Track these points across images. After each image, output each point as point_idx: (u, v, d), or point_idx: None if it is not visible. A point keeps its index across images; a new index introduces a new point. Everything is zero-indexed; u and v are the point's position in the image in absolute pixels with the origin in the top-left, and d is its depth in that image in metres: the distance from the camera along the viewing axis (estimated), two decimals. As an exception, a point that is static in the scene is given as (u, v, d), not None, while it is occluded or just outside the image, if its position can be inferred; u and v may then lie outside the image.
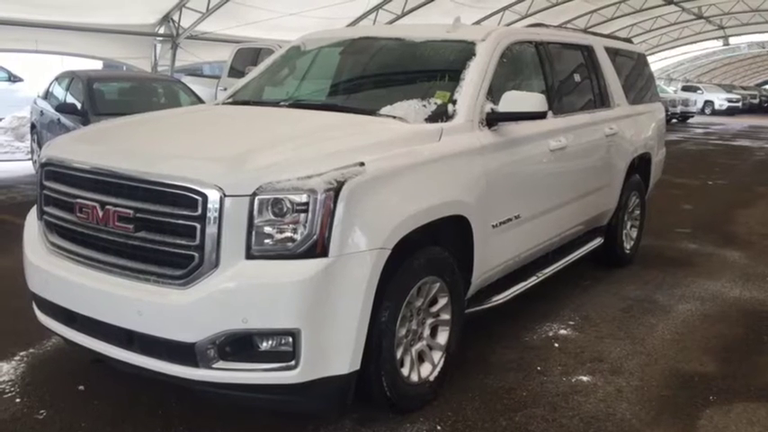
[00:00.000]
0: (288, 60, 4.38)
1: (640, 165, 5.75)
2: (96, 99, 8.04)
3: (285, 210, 2.59)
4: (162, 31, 13.26)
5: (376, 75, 4.11)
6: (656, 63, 40.51)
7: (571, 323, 4.41)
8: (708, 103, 36.96)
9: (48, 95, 9.49)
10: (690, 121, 28.63)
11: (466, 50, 3.82)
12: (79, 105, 8.00)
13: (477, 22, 17.90)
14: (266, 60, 4.49)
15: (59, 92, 9.12)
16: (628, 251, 5.76)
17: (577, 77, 4.84)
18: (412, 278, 3.02)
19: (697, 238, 6.90)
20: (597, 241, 5.24)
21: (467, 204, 3.32)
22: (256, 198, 2.57)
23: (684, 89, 37.01)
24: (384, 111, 3.51)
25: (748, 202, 9.24)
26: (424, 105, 3.54)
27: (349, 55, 4.22)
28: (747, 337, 4.29)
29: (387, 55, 4.13)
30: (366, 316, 2.73)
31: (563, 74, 4.64)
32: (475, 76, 3.66)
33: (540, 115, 3.66)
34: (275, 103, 3.88)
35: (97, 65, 13.67)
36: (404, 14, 16.32)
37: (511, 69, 4.10)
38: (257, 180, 2.59)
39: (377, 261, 2.72)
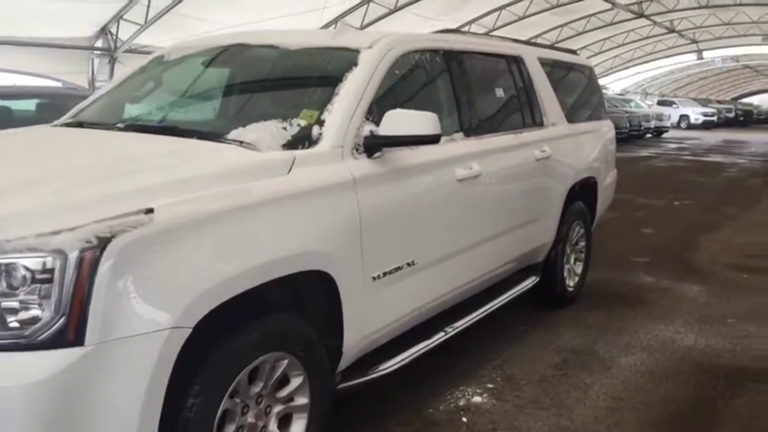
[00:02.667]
0: (146, 73, 3.64)
1: (584, 191, 5.06)
2: (-8, 117, 7.21)
3: (19, 279, 1.84)
4: (99, 44, 12.48)
5: (238, 90, 3.38)
6: (631, 77, 40.40)
7: (490, 386, 3.68)
8: (683, 117, 36.82)
9: (-46, 114, 8.66)
10: (664, 135, 28.28)
11: (346, 60, 3.11)
12: (-25, 125, 7.19)
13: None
14: (122, 72, 3.75)
15: (-35, 110, 8.30)
16: (571, 289, 5.06)
17: (500, 93, 4.14)
18: (236, 361, 2.27)
19: (654, 269, 6.22)
20: (531, 280, 4.52)
21: (327, 255, 2.59)
22: (-24, 264, 1.82)
23: (660, 103, 36.89)
24: (233, 135, 2.78)
25: (714, 225, 8.60)
26: (285, 128, 2.82)
27: (212, 66, 3.48)
28: (697, 402, 3.58)
29: (255, 66, 3.40)
30: (152, 421, 1.98)
31: (480, 89, 3.94)
32: (351, 92, 2.94)
33: (432, 139, 2.94)
34: (110, 125, 3.13)
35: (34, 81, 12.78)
36: (363, 28, 15.68)
37: (407, 83, 3.40)
38: (-22, 238, 1.84)
39: (167, 346, 1.97)
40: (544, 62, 4.77)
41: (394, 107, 2.98)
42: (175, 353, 2.00)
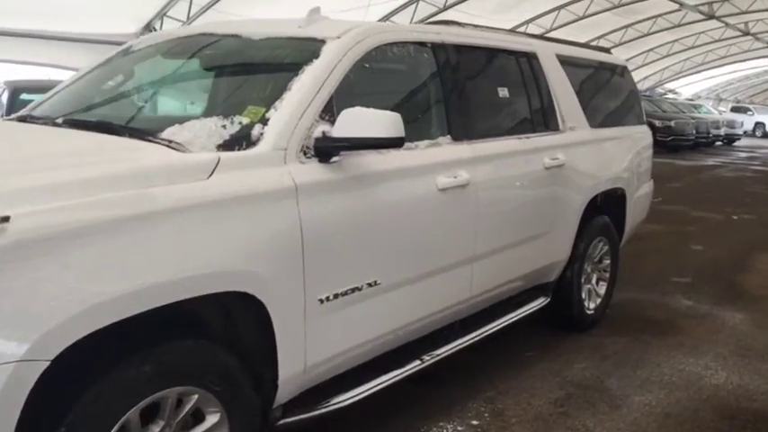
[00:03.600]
0: (108, 65, 3.38)
1: (609, 203, 4.55)
2: (18, 109, 7.18)
3: None
4: (144, 40, 12.54)
5: (189, 83, 3.07)
6: (703, 82, 38.65)
7: (474, 423, 3.26)
8: (759, 124, 35.18)
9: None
10: (736, 143, 26.87)
11: (308, 51, 2.75)
12: (-1, 118, 7.18)
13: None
14: (88, 63, 3.51)
15: (-3, 103, 8.35)
16: (591, 311, 4.55)
17: (504, 93, 3.70)
18: (121, 398, 1.93)
19: (695, 291, 5.63)
20: (539, 302, 4.06)
21: (252, 275, 2.23)
22: None
23: (734, 110, 35.23)
24: (167, 133, 2.46)
25: (773, 243, 7.85)
26: (224, 126, 2.49)
27: (169, 58, 3.19)
28: (714, 457, 3.07)
29: (213, 57, 3.07)
30: (-4, 473, 1.67)
31: (478, 88, 3.51)
32: (304, 87, 2.59)
33: (392, 143, 2.55)
34: (50, 120, 2.86)
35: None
36: (412, 26, 15.30)
37: (381, 80, 3.03)
38: None
39: (11, 382, 1.66)
40: (565, 60, 4.29)
41: (363, 107, 2.60)
42: (25, 390, 1.69)
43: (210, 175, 2.20)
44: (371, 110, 2.52)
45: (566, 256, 4.17)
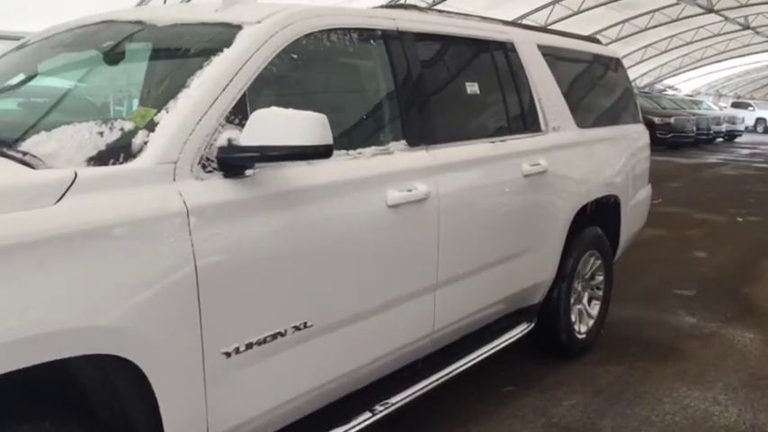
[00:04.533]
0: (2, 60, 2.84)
1: (600, 212, 4.01)
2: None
3: None
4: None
5: (74, 81, 2.53)
6: (703, 77, 38.10)
7: (438, 483, 2.72)
8: (760, 120, 34.79)
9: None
10: (737, 140, 26.36)
11: (219, 40, 2.22)
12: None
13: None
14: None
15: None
16: (582, 335, 4.02)
17: (473, 89, 3.16)
18: None
19: (699, 306, 5.08)
20: (522, 329, 3.52)
21: (119, 332, 1.69)
22: None
23: (734, 105, 34.77)
24: (29, 143, 1.93)
25: (782, 247, 7.31)
26: (101, 133, 1.95)
27: (63, 51, 2.65)
28: None
29: (110, 49, 2.53)
30: None
31: (441, 84, 2.98)
32: (206, 84, 2.05)
33: (317, 152, 2.01)
34: None
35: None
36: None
37: (315, 75, 2.48)
38: None
39: None
40: (548, 51, 3.76)
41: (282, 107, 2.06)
42: None
43: (59, 200, 1.66)
44: (289, 111, 1.99)
45: (551, 275, 3.63)
